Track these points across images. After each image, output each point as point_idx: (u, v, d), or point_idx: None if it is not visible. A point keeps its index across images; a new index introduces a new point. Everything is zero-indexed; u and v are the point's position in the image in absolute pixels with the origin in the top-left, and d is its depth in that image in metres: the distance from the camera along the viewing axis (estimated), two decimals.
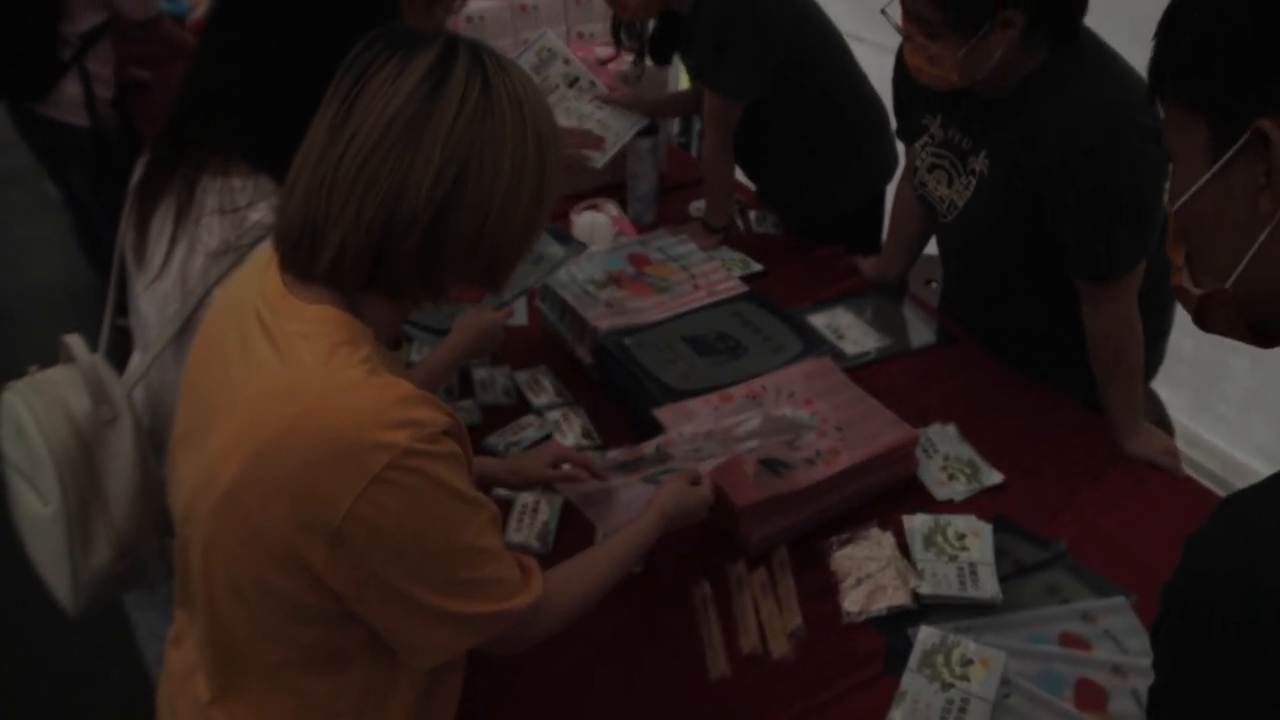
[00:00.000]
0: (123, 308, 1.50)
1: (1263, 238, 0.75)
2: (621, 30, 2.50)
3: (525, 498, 1.64)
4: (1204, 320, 0.86)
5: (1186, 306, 0.87)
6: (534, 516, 1.62)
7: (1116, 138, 1.57)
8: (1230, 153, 0.76)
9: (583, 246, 2.00)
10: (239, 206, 1.32)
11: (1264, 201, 0.74)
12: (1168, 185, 0.87)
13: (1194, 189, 0.79)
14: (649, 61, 2.59)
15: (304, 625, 1.01)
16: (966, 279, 2.06)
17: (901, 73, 1.96)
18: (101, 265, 3.57)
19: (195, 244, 1.34)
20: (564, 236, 2.09)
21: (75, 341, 1.38)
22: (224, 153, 1.35)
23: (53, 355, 1.40)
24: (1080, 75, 1.63)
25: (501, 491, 1.63)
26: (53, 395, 1.31)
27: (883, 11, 1.72)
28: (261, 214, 1.31)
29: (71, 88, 3.18)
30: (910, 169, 2.03)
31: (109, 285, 1.50)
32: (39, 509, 1.31)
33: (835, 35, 2.39)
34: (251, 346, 1.00)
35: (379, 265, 0.96)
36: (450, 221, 0.95)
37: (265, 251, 1.08)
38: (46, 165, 3.71)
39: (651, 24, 2.49)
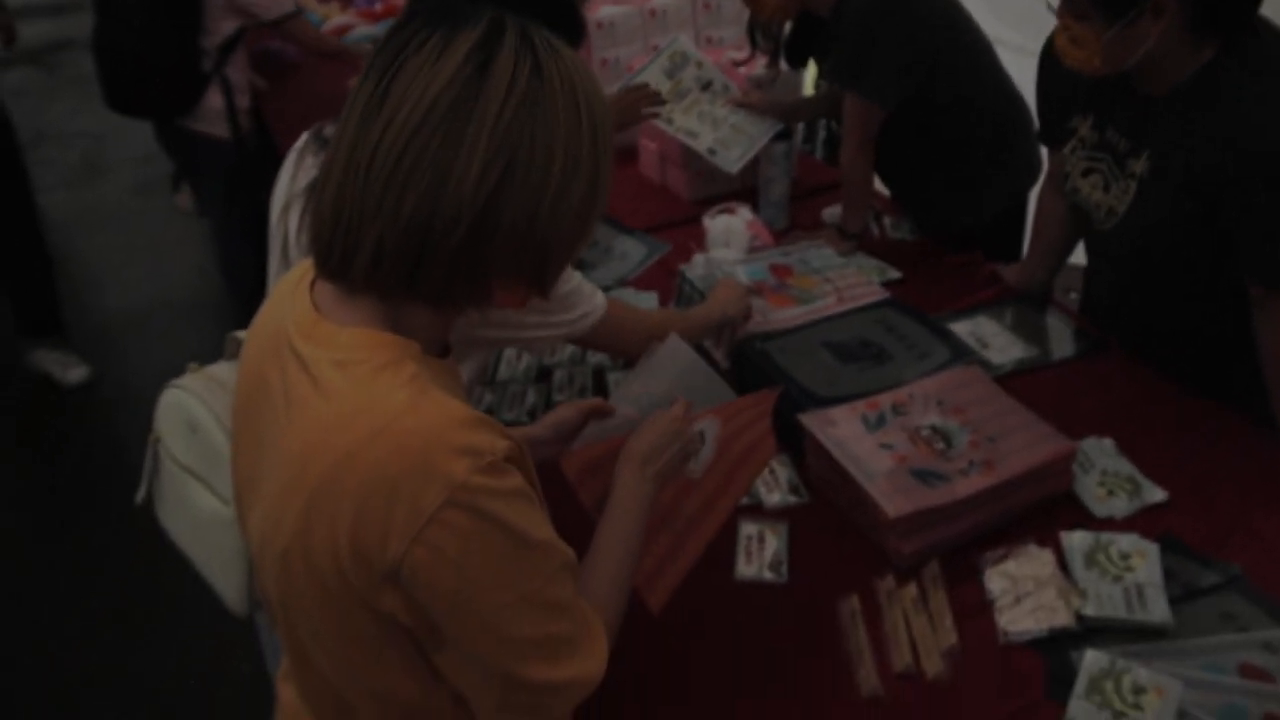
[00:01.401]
0: None
1: None
2: (757, 31, 2.46)
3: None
4: None
5: None
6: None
7: None
8: None
9: (664, 246, 1.99)
10: None
11: None
12: None
13: None
14: (784, 64, 2.55)
15: (393, 677, 0.96)
16: (1122, 285, 1.95)
17: (1047, 72, 1.89)
18: (229, 278, 3.68)
19: None
20: (642, 236, 2.10)
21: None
22: None
23: (180, 365, 1.39)
24: (1259, 71, 1.53)
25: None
26: (227, 391, 1.28)
27: None
28: None
29: (214, 99, 3.25)
30: (1057, 175, 1.95)
31: (240, 295, 1.48)
32: (219, 509, 1.29)
33: (981, 36, 2.32)
34: (291, 383, 0.93)
35: (419, 266, 0.87)
36: (498, 217, 0.86)
37: (298, 268, 1.02)
38: (188, 176, 3.81)
39: (788, 26, 2.45)
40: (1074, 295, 2.35)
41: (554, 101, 0.87)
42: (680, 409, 1.25)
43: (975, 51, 2.29)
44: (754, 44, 2.50)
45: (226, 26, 3.21)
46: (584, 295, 1.52)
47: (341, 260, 0.89)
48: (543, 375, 1.96)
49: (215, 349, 1.39)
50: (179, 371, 1.38)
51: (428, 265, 0.87)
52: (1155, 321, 1.89)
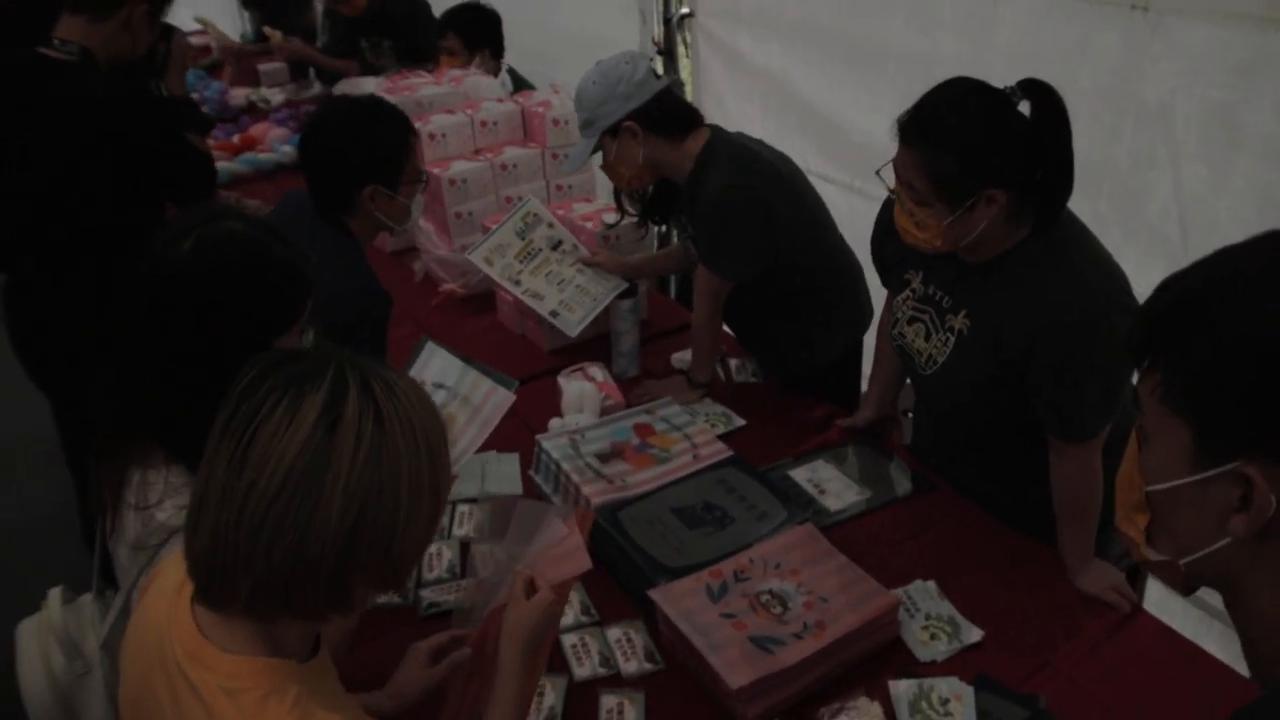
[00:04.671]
0: None
1: (1223, 544, 0.82)
2: (624, 196, 2.61)
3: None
4: (1148, 568, 0.94)
5: (1133, 552, 0.95)
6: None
7: (1095, 316, 1.71)
8: (1211, 473, 0.80)
9: (508, 392, 1.96)
10: (149, 504, 1.39)
11: (1236, 523, 0.79)
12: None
13: (1172, 484, 0.85)
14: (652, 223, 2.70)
15: None
16: (940, 430, 2.17)
17: (883, 228, 2.09)
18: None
19: (120, 531, 1.42)
20: (494, 374, 2.00)
21: (53, 595, 1.47)
22: (146, 441, 1.42)
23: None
24: (1062, 254, 1.77)
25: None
26: (38, 647, 1.39)
27: (877, 173, 1.86)
28: (167, 515, 1.38)
29: None
30: (889, 319, 2.14)
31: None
32: None
33: (818, 202, 2.50)
34: (182, 704, 1.05)
35: (289, 600, 1.02)
36: (357, 552, 1.01)
37: (175, 575, 1.13)
38: None
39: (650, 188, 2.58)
40: (909, 414, 2.56)
41: (396, 446, 1.03)
42: (551, 592, 1.37)
43: (816, 218, 2.48)
44: (620, 208, 2.64)
45: None
46: None
47: (219, 596, 1.04)
48: None
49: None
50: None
51: (297, 597, 1.02)
52: (968, 461, 2.11)
